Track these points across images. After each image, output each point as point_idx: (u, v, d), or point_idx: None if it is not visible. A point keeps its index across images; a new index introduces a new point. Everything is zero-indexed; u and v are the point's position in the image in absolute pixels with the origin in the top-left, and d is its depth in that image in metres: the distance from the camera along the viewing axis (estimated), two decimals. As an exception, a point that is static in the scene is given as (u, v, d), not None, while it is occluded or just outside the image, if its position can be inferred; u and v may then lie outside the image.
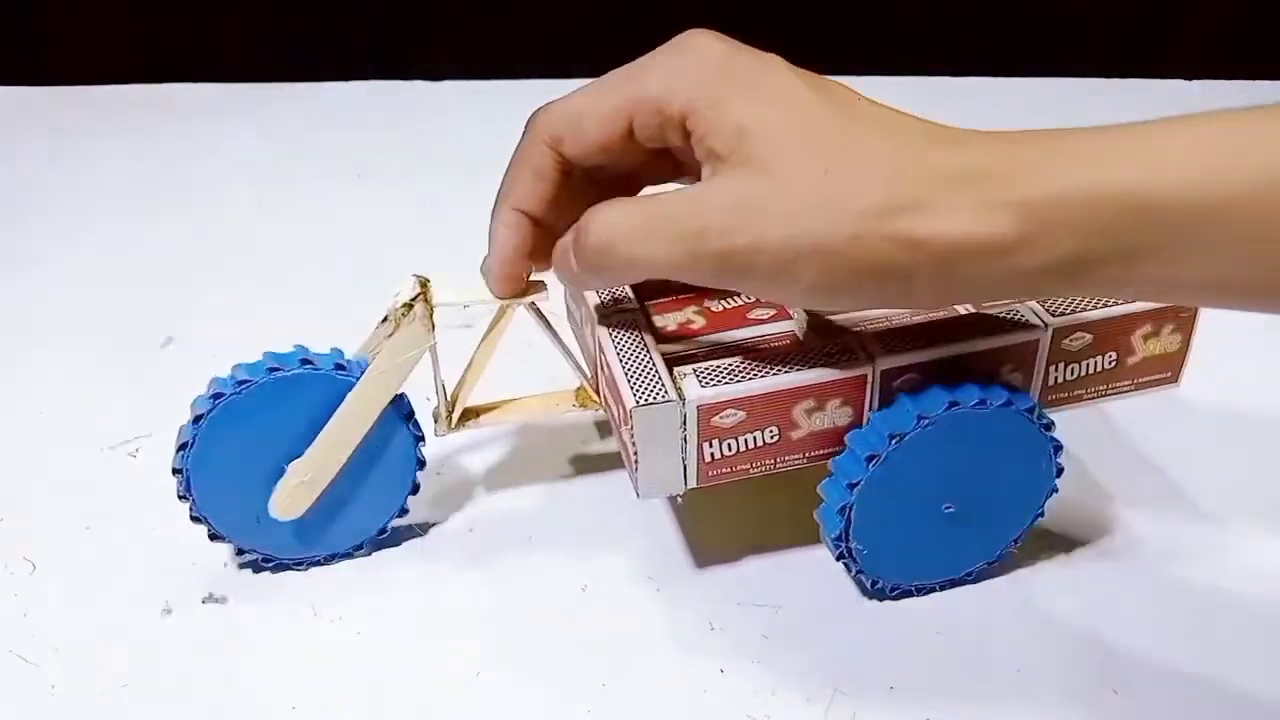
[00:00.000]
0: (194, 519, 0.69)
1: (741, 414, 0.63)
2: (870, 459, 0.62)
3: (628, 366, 0.64)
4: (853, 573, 0.69)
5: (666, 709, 0.65)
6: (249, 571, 0.73)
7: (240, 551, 0.72)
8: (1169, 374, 0.71)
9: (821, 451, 0.66)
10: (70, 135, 1.34)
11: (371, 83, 1.47)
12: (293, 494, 0.68)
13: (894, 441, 0.62)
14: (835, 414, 0.65)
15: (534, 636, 0.69)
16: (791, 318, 0.75)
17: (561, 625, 0.70)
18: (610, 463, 0.83)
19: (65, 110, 1.40)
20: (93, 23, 1.51)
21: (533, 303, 0.69)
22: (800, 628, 0.69)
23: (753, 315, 0.75)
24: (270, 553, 0.72)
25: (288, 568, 0.73)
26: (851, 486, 0.63)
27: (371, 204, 1.21)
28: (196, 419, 0.66)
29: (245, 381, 0.66)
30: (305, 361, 0.67)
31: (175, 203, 1.21)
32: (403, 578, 0.73)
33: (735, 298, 0.77)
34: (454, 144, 1.32)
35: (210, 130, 1.36)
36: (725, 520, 0.77)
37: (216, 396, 0.66)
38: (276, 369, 0.67)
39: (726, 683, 0.66)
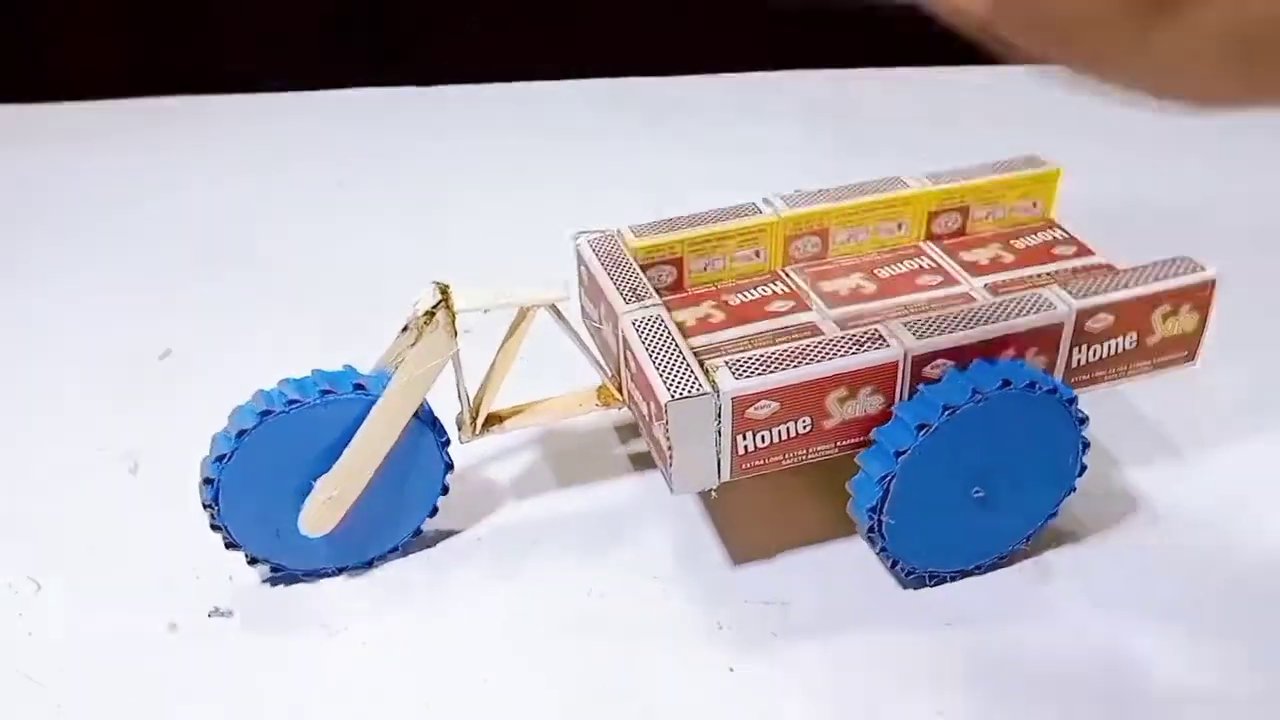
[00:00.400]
0: (213, 527, 0.67)
1: (775, 405, 0.62)
2: (920, 428, 0.62)
3: (658, 361, 0.63)
4: (877, 549, 0.68)
5: (677, 709, 0.64)
6: (254, 584, 0.71)
7: (252, 561, 0.70)
8: (1186, 353, 0.72)
9: (852, 440, 0.66)
10: (66, 150, 1.32)
11: (363, 90, 1.45)
12: (321, 510, 0.67)
13: (946, 414, 0.62)
14: (867, 402, 0.64)
15: (542, 641, 0.68)
16: (810, 309, 0.75)
17: (570, 629, 0.69)
18: (614, 467, 0.82)
19: (61, 126, 1.38)
20: (88, 36, 1.48)
21: (553, 304, 0.68)
22: (809, 625, 0.69)
23: (772, 308, 0.75)
24: (286, 564, 0.70)
25: (297, 579, 0.72)
26: (898, 455, 0.63)
27: (365, 212, 1.19)
28: (240, 433, 0.65)
29: (295, 401, 0.65)
30: (358, 386, 0.66)
31: (171, 215, 1.18)
32: (410, 587, 0.72)
33: (752, 290, 0.77)
34: (445, 149, 1.31)
35: (203, 142, 1.34)
36: (730, 521, 0.76)
37: (265, 414, 0.64)
38: (329, 391, 0.65)
39: (736, 681, 0.65)
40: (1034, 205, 0.84)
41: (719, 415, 0.61)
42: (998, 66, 1.41)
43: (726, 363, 0.63)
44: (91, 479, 0.81)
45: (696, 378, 0.62)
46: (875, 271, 0.78)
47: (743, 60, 1.48)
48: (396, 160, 1.30)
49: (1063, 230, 0.82)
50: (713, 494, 0.65)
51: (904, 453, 0.62)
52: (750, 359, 0.63)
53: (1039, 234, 0.82)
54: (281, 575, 0.71)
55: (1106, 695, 0.64)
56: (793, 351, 0.63)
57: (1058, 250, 0.80)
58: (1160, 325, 0.70)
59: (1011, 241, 0.81)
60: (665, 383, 0.61)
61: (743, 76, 1.49)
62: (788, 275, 0.79)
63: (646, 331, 0.66)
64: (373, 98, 1.45)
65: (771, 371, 0.62)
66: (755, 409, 0.62)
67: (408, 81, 1.46)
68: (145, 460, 0.83)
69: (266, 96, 1.44)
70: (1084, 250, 0.80)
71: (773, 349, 0.64)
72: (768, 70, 1.49)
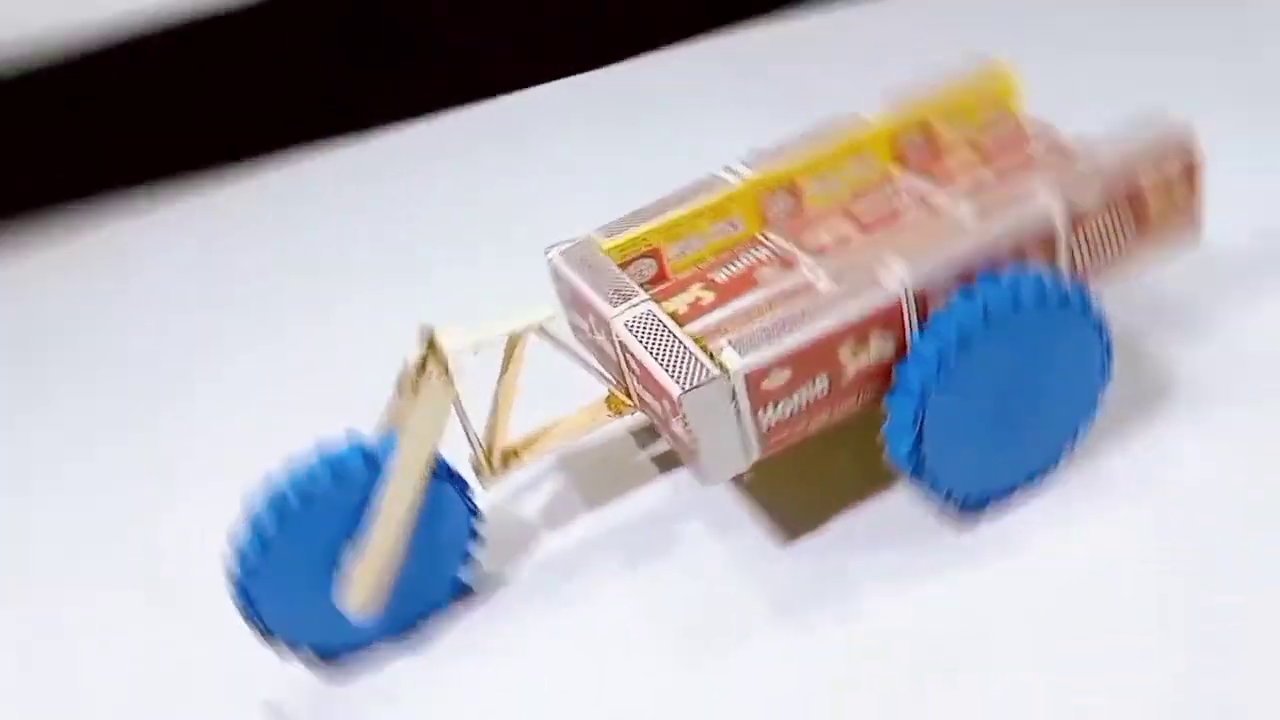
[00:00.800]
0: (248, 621, 0.65)
1: (788, 372, 0.60)
2: (940, 358, 0.60)
3: (660, 356, 0.61)
4: (926, 486, 0.66)
5: (755, 702, 0.62)
6: (306, 677, 0.69)
7: (293, 646, 0.68)
8: (1189, 221, 0.70)
9: (874, 390, 0.64)
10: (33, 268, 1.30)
11: (338, 145, 1.42)
12: (360, 587, 0.65)
13: (961, 340, 0.60)
14: (880, 347, 0.62)
15: (609, 668, 0.66)
16: (799, 267, 0.73)
17: (632, 649, 0.67)
18: (638, 474, 0.80)
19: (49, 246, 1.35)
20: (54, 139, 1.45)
21: (541, 327, 0.66)
22: (870, 589, 0.67)
23: (760, 275, 0.73)
24: (332, 646, 0.68)
25: (335, 657, 0.69)
26: (923, 391, 0.61)
27: (336, 277, 1.16)
28: (260, 537, 0.63)
29: (308, 495, 0.63)
30: (368, 458, 0.64)
31: (157, 322, 1.16)
32: (464, 647, 0.70)
33: (736, 263, 0.75)
34: (420, 190, 1.28)
35: (155, 243, 1.31)
36: (765, 501, 0.74)
37: (281, 514, 0.63)
38: (341, 476, 0.63)
39: (807, 660, 0.63)
40: (996, 108, 0.82)
41: (734, 396, 0.59)
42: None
43: (729, 341, 0.61)
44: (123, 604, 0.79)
45: (703, 364, 0.60)
46: (855, 214, 0.76)
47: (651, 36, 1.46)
48: (354, 219, 1.27)
49: (1027, 119, 0.80)
50: (746, 478, 0.64)
51: (929, 387, 0.60)
52: (752, 332, 0.61)
53: (1002, 127, 0.80)
54: (322, 655, 0.69)
55: (1187, 601, 0.62)
56: (793, 315, 0.61)
57: (1027, 138, 0.78)
58: (1153, 203, 0.68)
59: (980, 144, 0.79)
60: (673, 376, 0.60)
61: (665, 53, 1.46)
62: (768, 239, 0.77)
63: (641, 329, 0.64)
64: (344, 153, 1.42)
65: (777, 339, 0.60)
66: (769, 381, 0.60)
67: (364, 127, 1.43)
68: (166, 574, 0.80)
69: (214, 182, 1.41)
70: (1052, 131, 0.78)
71: (772, 317, 0.62)
72: (680, 43, 1.47)
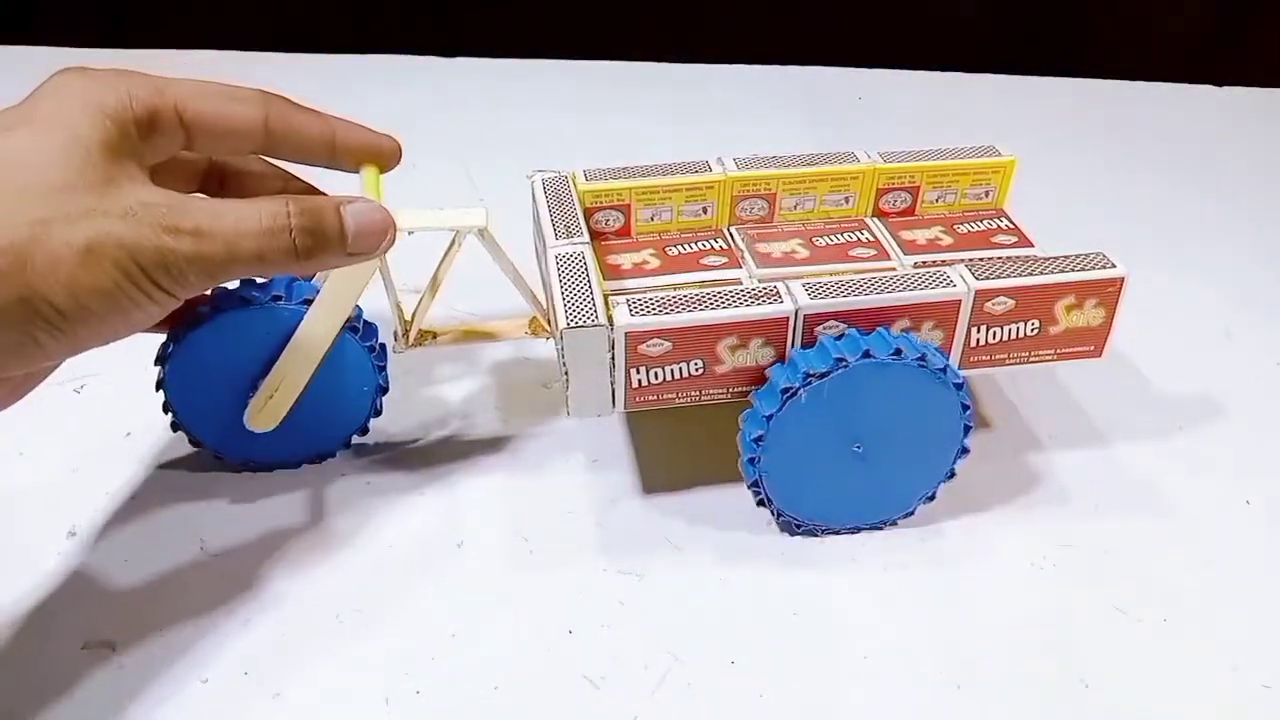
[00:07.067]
0: (165, 408, 0.75)
1: (667, 344, 0.67)
2: (785, 391, 0.66)
3: (567, 293, 0.68)
4: (762, 499, 0.72)
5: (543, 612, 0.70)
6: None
7: (218, 457, 0.77)
8: (1092, 347, 0.74)
9: (744, 388, 0.70)
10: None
11: (383, 56, 1.49)
12: (264, 408, 0.73)
13: (808, 380, 0.66)
14: (758, 352, 0.68)
15: (445, 547, 0.74)
16: (741, 267, 0.79)
17: (473, 532, 0.74)
18: (542, 395, 0.86)
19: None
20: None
21: (484, 230, 0.73)
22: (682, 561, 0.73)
23: (706, 261, 0.79)
24: (227, 450, 0.77)
25: (259, 469, 0.78)
26: (768, 419, 0.67)
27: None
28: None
29: (219, 309, 0.71)
30: (275, 297, 0.71)
31: None
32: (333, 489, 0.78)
33: (692, 244, 0.81)
34: (453, 121, 1.34)
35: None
36: (641, 452, 0.81)
37: (194, 324, 0.70)
38: (247, 300, 0.71)
39: (594, 595, 0.70)
40: (986, 194, 0.86)
41: (612, 347, 0.66)
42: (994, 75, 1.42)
43: (627, 300, 0.67)
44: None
45: (596, 310, 0.66)
46: (813, 239, 0.82)
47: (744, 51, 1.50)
48: (402, 128, 1.33)
49: (1009, 220, 0.85)
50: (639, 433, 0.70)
51: (771, 416, 0.67)
52: (650, 299, 0.67)
53: (983, 221, 0.84)
54: (251, 466, 0.78)
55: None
56: (690, 297, 0.68)
57: (997, 239, 0.82)
58: (1064, 316, 0.72)
59: (955, 226, 0.84)
60: (566, 312, 0.66)
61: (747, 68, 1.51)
62: (730, 234, 0.83)
63: (566, 266, 0.71)
64: (388, 63, 1.49)
65: (666, 313, 0.66)
66: (648, 346, 0.67)
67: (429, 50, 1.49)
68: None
69: (289, 56, 1.48)
70: (1024, 241, 0.82)
71: (677, 294, 0.68)
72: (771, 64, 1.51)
